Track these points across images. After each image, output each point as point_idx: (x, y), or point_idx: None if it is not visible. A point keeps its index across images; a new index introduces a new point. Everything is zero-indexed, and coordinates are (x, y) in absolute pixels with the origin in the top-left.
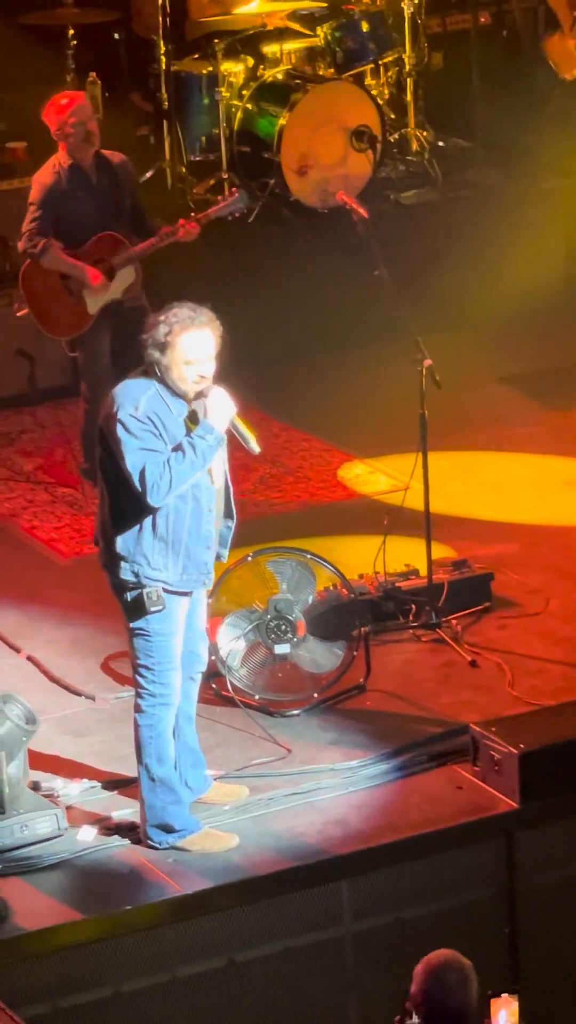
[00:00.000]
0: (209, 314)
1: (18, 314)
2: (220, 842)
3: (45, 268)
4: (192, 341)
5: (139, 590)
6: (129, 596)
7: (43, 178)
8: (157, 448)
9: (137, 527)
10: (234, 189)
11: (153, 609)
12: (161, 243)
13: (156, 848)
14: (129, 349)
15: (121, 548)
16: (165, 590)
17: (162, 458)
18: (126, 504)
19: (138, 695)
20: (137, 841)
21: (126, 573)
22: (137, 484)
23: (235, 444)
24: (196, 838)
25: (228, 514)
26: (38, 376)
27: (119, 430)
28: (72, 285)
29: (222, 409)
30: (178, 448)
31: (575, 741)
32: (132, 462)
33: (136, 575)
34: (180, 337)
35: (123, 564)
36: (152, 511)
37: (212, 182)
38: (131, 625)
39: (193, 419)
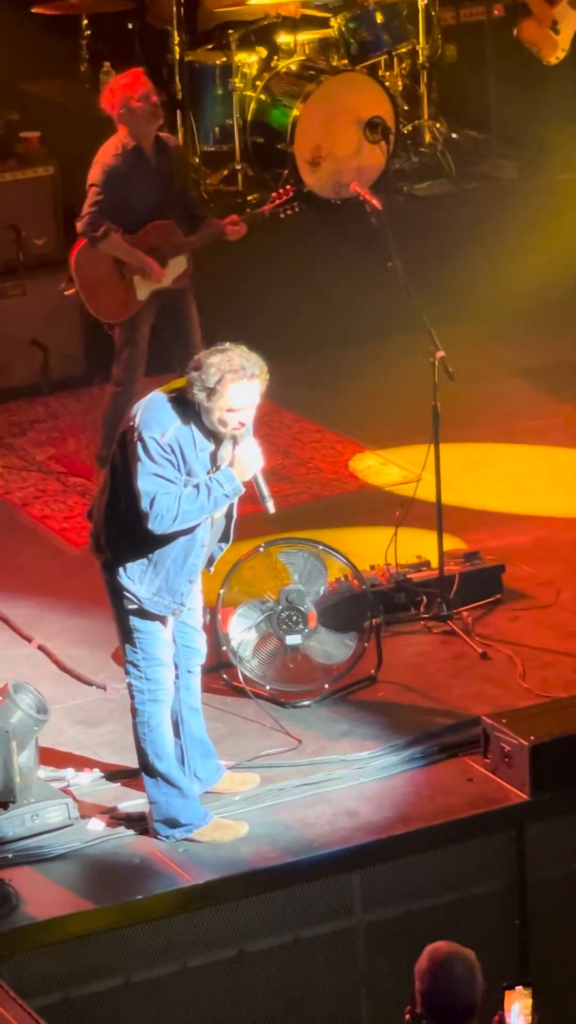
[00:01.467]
0: (261, 364)
1: (65, 293)
2: (229, 831)
3: (101, 252)
4: (241, 392)
5: (122, 589)
6: (115, 592)
7: (105, 159)
8: (173, 479)
9: (130, 533)
10: (289, 187)
11: (130, 607)
12: (211, 239)
13: (163, 841)
14: (168, 330)
15: (107, 546)
16: (132, 603)
17: (175, 491)
18: (129, 511)
19: (130, 693)
20: (147, 831)
21: (109, 569)
22: (144, 507)
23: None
24: (205, 829)
25: (224, 538)
26: (51, 366)
27: (140, 449)
28: (125, 270)
29: (250, 463)
30: (194, 485)
31: None
32: (145, 487)
33: (114, 576)
34: (230, 387)
35: (110, 559)
36: (149, 531)
37: (226, 172)
38: (117, 621)
39: (214, 456)
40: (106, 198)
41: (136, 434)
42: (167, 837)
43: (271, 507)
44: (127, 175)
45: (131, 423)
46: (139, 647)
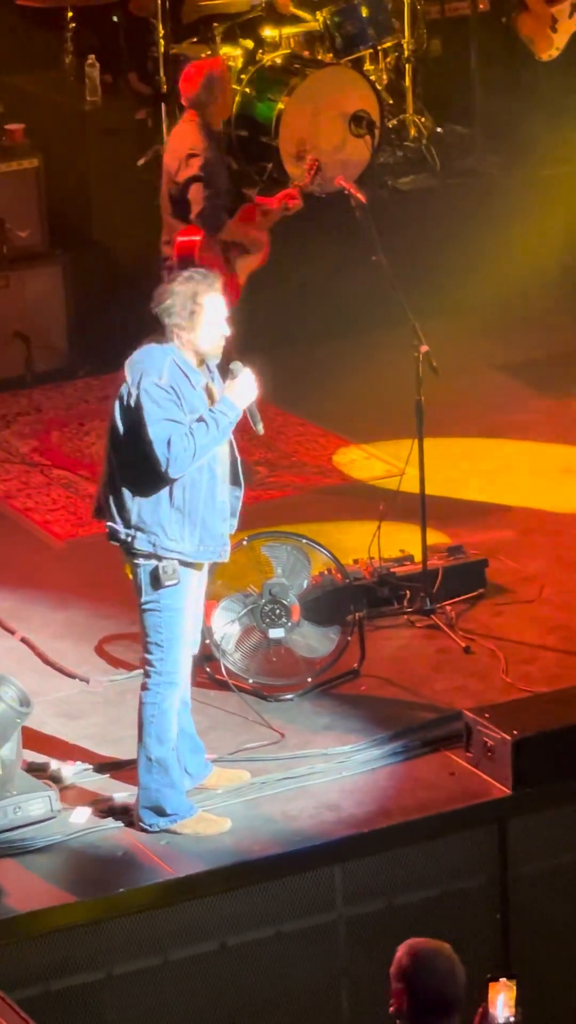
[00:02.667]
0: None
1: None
2: (213, 825)
3: (214, 242)
4: (216, 302)
5: (155, 563)
6: (144, 569)
7: (200, 148)
8: (179, 419)
9: (155, 497)
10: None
11: (168, 583)
12: (280, 216)
13: (147, 830)
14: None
15: (138, 519)
16: (181, 562)
17: (184, 429)
18: (145, 474)
19: (145, 673)
20: (130, 824)
21: (143, 543)
22: (160, 455)
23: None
24: (189, 821)
25: (235, 482)
26: (35, 359)
27: (144, 399)
28: (231, 255)
29: (248, 390)
30: (199, 420)
31: (569, 728)
32: (156, 433)
33: (153, 545)
34: (206, 298)
35: (140, 535)
36: (170, 482)
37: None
38: (143, 600)
39: (208, 389)
40: (212, 187)
41: (136, 387)
42: (151, 825)
43: (261, 428)
44: (217, 160)
45: (125, 381)
46: (163, 627)
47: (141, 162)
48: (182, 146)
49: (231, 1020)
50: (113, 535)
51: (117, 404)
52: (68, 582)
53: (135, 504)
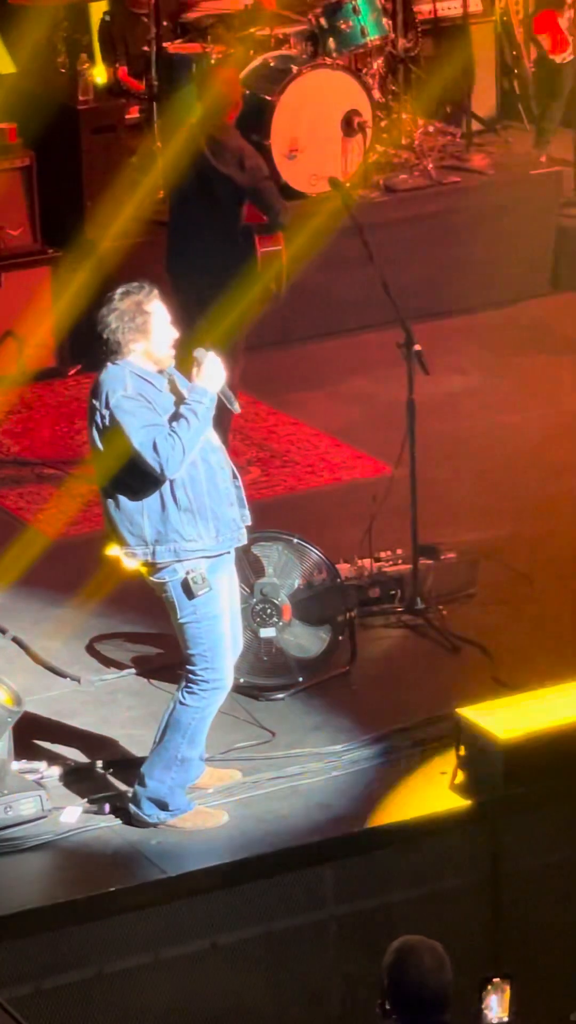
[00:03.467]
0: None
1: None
2: (211, 819)
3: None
4: (160, 306)
5: (182, 575)
6: (175, 584)
7: (252, 151)
8: (156, 422)
9: (160, 507)
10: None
11: (200, 592)
12: None
13: (147, 822)
14: None
15: (153, 533)
16: (207, 560)
17: (165, 431)
18: (142, 485)
19: (191, 681)
20: (128, 822)
21: (164, 555)
22: (151, 460)
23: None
24: (188, 815)
25: (232, 473)
26: (26, 358)
27: (119, 414)
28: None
29: (217, 373)
30: (176, 417)
31: (559, 727)
32: (140, 440)
33: (175, 552)
34: (151, 305)
35: (159, 548)
36: (162, 483)
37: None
38: (180, 615)
39: (173, 388)
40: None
41: (106, 407)
42: (150, 816)
43: (237, 407)
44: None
45: (100, 402)
46: (204, 636)
47: (134, 160)
48: (230, 155)
49: (222, 1019)
50: (133, 559)
51: (94, 431)
52: (59, 581)
53: (145, 520)
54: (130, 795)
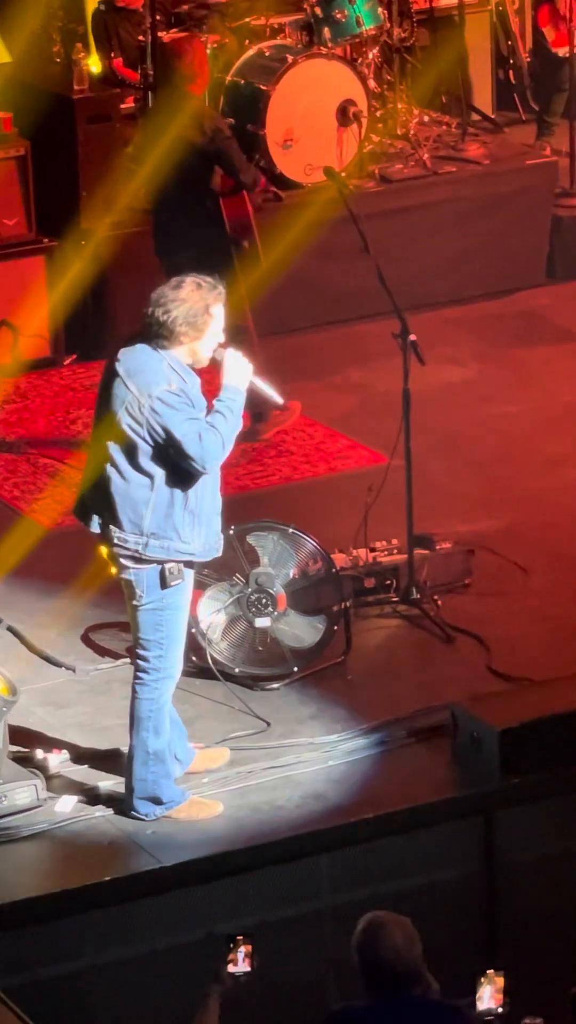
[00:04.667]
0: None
1: (246, 246)
2: (206, 809)
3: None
4: (222, 311)
5: (159, 566)
6: (152, 572)
7: (216, 116)
8: (198, 416)
9: (168, 503)
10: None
11: (173, 583)
12: None
13: (145, 820)
14: None
15: (152, 525)
16: (186, 564)
17: (206, 424)
18: (174, 476)
19: (141, 669)
20: (121, 812)
21: (155, 550)
22: (195, 453)
23: None
24: (183, 807)
25: None
26: (21, 347)
27: (160, 407)
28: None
29: (242, 369)
30: (213, 412)
31: (555, 718)
32: (185, 433)
33: (166, 550)
34: (215, 308)
35: (153, 542)
36: (197, 478)
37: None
38: (145, 600)
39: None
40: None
41: (147, 396)
42: (147, 815)
43: (279, 399)
44: None
45: (127, 388)
46: (165, 624)
47: (130, 149)
48: (193, 120)
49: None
50: (119, 544)
51: (124, 414)
52: (54, 571)
53: (148, 512)
54: (122, 801)
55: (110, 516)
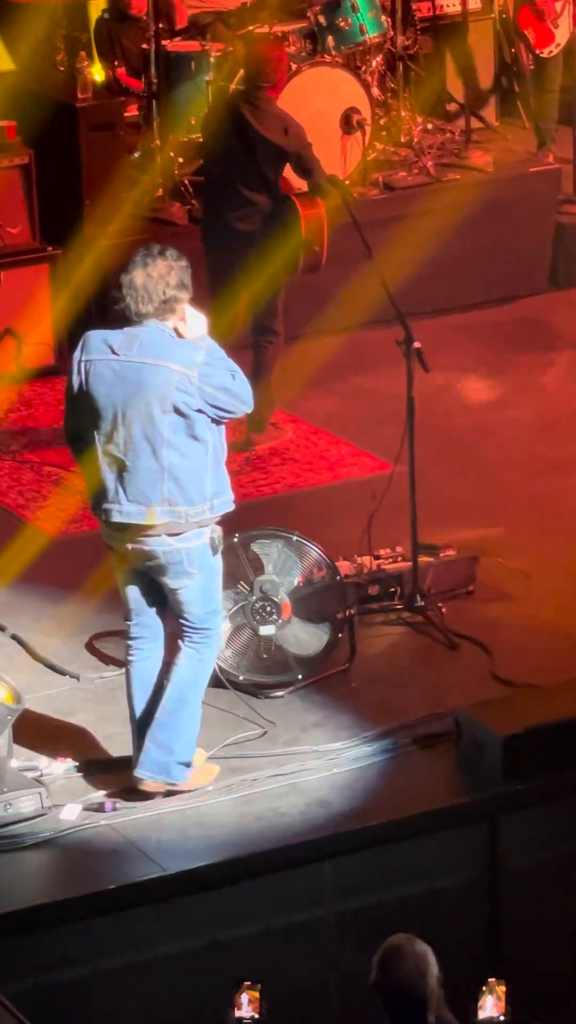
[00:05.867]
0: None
1: (316, 251)
2: (209, 775)
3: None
4: None
5: (207, 538)
6: (200, 548)
7: (294, 121)
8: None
9: (216, 460)
10: None
11: (219, 550)
12: None
13: (175, 786)
14: None
15: (213, 487)
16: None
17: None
18: (216, 437)
19: (195, 640)
20: (127, 800)
21: (219, 508)
22: (244, 393)
23: None
24: (192, 777)
25: None
26: (25, 355)
27: (209, 369)
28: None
29: (201, 322)
30: None
31: (558, 724)
32: (233, 379)
33: (225, 503)
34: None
35: (216, 502)
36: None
37: (201, 162)
38: (200, 572)
39: None
40: None
41: (196, 371)
42: (180, 780)
43: None
44: None
45: (172, 371)
46: (214, 591)
47: (135, 155)
48: (274, 123)
49: (221, 1015)
50: (188, 519)
51: (175, 392)
52: (59, 579)
53: (209, 475)
54: (147, 767)
55: (174, 497)
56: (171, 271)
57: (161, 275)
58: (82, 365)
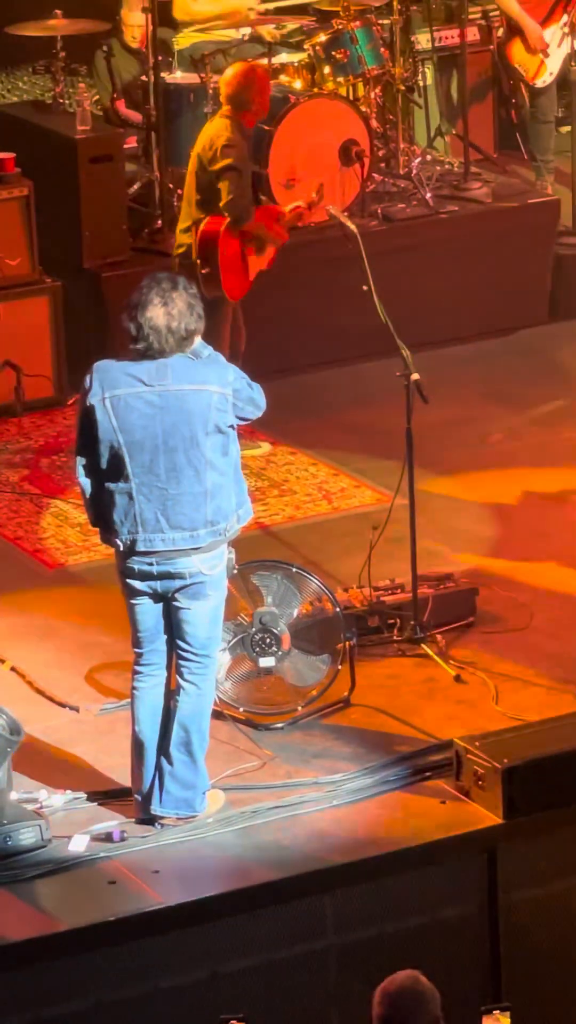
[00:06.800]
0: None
1: (202, 272)
2: (218, 801)
3: (234, 235)
4: None
5: (224, 559)
6: (219, 573)
7: (238, 146)
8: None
9: (238, 471)
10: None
11: (232, 572)
12: (297, 221)
13: (197, 817)
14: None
15: (238, 499)
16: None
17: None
18: (229, 457)
19: (201, 666)
20: (144, 823)
21: (245, 517)
22: (263, 400)
23: None
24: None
25: None
26: (24, 387)
27: (240, 384)
28: (248, 250)
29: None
30: None
31: (559, 756)
32: (255, 392)
33: (247, 511)
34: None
35: (241, 512)
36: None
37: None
38: (213, 597)
39: None
40: (245, 180)
41: (229, 389)
42: (202, 809)
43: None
44: (248, 158)
45: (210, 393)
46: (220, 616)
47: (133, 190)
48: (218, 138)
49: None
50: (222, 534)
51: (216, 413)
52: (58, 611)
53: (234, 486)
54: (170, 805)
55: (216, 516)
56: (189, 307)
57: (181, 312)
58: (107, 402)
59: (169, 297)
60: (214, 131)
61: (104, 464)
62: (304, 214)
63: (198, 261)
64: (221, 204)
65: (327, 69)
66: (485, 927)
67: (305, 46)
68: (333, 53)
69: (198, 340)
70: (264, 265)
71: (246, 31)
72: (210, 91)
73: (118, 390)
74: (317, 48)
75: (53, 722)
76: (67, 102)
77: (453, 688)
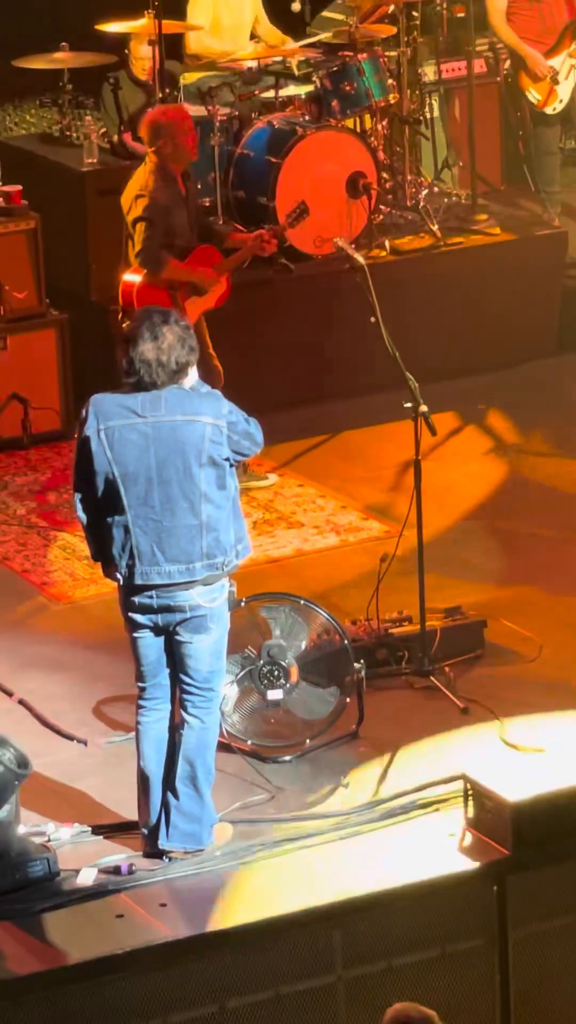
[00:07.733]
0: None
1: (123, 326)
2: (225, 833)
3: (157, 283)
4: None
5: (228, 588)
6: (220, 606)
7: (150, 191)
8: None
9: (236, 504)
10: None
11: (233, 605)
12: (248, 257)
13: (203, 850)
14: None
15: (237, 532)
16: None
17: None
18: (226, 489)
19: (205, 699)
20: (151, 856)
21: (244, 552)
22: (259, 435)
23: None
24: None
25: None
26: (32, 420)
27: (235, 417)
28: (179, 296)
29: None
30: None
31: (568, 790)
32: (251, 425)
33: (246, 546)
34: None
35: (239, 547)
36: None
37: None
38: (215, 631)
39: None
40: (159, 229)
41: (223, 421)
42: (210, 842)
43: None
44: (169, 205)
45: (207, 425)
46: (223, 649)
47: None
48: (133, 187)
49: None
50: (223, 567)
51: (210, 445)
52: (66, 643)
53: (232, 520)
54: (177, 840)
55: (212, 549)
56: (180, 340)
57: (171, 345)
58: (102, 434)
59: (160, 331)
60: (133, 179)
61: (101, 496)
62: (267, 243)
63: (120, 315)
64: (133, 255)
65: (334, 101)
66: (494, 960)
67: (313, 78)
68: (340, 85)
69: (192, 372)
70: (211, 304)
71: (252, 64)
72: (216, 124)
73: (112, 421)
74: (324, 80)
75: (61, 755)
76: (74, 135)
77: (461, 720)
